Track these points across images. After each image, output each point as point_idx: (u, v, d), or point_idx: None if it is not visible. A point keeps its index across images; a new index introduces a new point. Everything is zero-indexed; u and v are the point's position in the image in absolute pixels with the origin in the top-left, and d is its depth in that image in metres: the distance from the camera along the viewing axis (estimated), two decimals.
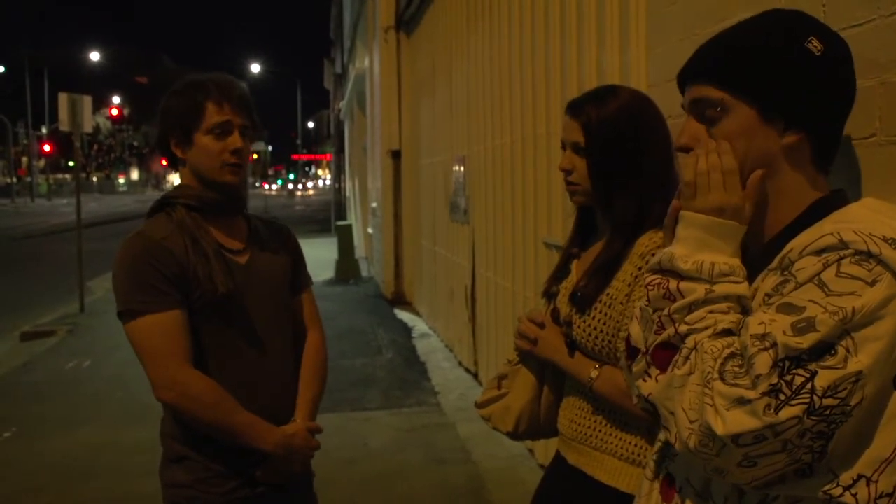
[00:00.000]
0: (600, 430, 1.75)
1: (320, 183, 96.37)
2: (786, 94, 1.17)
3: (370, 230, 13.32)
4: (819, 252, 1.05)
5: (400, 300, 10.20)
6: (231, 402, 1.92)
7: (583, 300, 1.75)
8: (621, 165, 1.71)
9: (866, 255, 1.01)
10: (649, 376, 1.15)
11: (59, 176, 73.69)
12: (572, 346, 1.79)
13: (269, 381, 2.05)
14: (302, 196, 69.03)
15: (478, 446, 4.79)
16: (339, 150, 28.84)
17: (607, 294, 1.71)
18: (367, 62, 13.07)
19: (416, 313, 9.35)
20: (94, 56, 65.82)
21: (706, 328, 1.10)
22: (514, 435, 1.95)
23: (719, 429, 1.00)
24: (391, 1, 10.07)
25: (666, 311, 1.14)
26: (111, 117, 73.89)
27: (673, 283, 1.15)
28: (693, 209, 1.19)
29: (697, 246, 1.17)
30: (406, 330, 8.57)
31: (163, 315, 1.89)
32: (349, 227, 13.71)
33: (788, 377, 0.97)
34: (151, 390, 1.92)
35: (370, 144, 13.16)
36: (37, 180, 59.97)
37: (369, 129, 13.30)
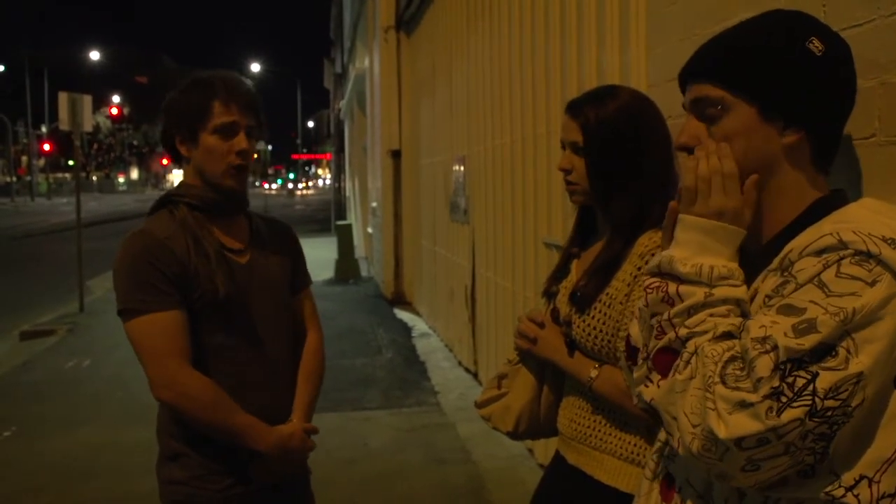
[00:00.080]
0: (600, 430, 1.75)
1: (320, 182, 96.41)
2: (786, 94, 1.17)
3: (370, 230, 13.32)
4: (819, 252, 1.05)
5: (400, 300, 10.20)
6: (229, 402, 1.93)
7: (582, 300, 1.75)
8: (621, 166, 1.71)
9: (866, 256, 1.01)
10: (651, 382, 1.15)
11: (59, 175, 73.70)
12: (572, 345, 1.79)
13: (268, 381, 2.05)
14: (301, 196, 69.10)
15: (478, 446, 4.79)
16: (339, 150, 28.85)
17: (607, 294, 1.71)
18: (367, 62, 13.07)
19: (416, 313, 9.35)
20: (94, 56, 65.81)
21: (706, 332, 1.10)
22: (514, 434, 1.95)
23: (722, 432, 1.00)
24: (391, 1, 10.07)
25: (665, 316, 1.14)
26: (111, 117, 73.86)
27: (672, 287, 1.15)
28: (693, 213, 1.19)
29: (697, 249, 1.17)
30: (406, 330, 8.57)
31: (162, 315, 1.89)
32: (349, 226, 13.71)
33: (790, 379, 0.97)
34: (150, 389, 1.92)
35: (370, 144, 13.16)
36: (37, 179, 60.00)
37: (369, 129, 13.31)
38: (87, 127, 10.45)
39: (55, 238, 21.32)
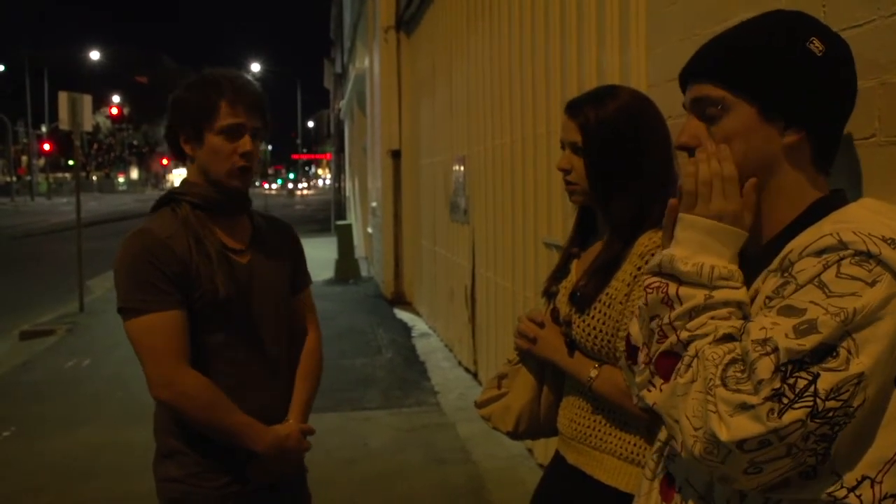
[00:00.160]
0: (600, 430, 1.75)
1: (320, 182, 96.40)
2: (786, 94, 1.17)
3: (370, 230, 13.32)
4: (819, 253, 1.05)
5: (400, 300, 10.20)
6: (226, 402, 1.93)
7: (582, 300, 1.75)
8: (620, 166, 1.71)
9: (866, 256, 1.01)
10: (654, 386, 1.15)
11: (59, 175, 73.67)
12: (572, 345, 1.79)
13: (267, 381, 2.06)
14: (301, 196, 69.10)
15: (477, 446, 4.79)
16: (339, 150, 28.85)
17: (607, 294, 1.71)
18: (367, 62, 13.07)
19: (416, 313, 9.35)
20: (94, 56, 65.78)
21: (707, 334, 1.10)
22: (514, 434, 1.95)
23: (723, 435, 1.00)
24: (391, 1, 10.07)
25: (666, 319, 1.14)
26: (111, 116, 73.80)
27: (672, 288, 1.15)
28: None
29: (697, 248, 1.17)
30: (406, 330, 8.57)
31: (162, 314, 1.89)
32: (349, 226, 13.71)
33: (791, 380, 0.97)
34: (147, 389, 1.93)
35: (370, 144, 13.16)
36: (36, 179, 60.00)
37: (369, 129, 13.31)
38: (87, 127, 10.45)
39: (55, 238, 21.32)
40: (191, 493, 1.96)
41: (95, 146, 77.10)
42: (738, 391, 1.00)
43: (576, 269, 1.87)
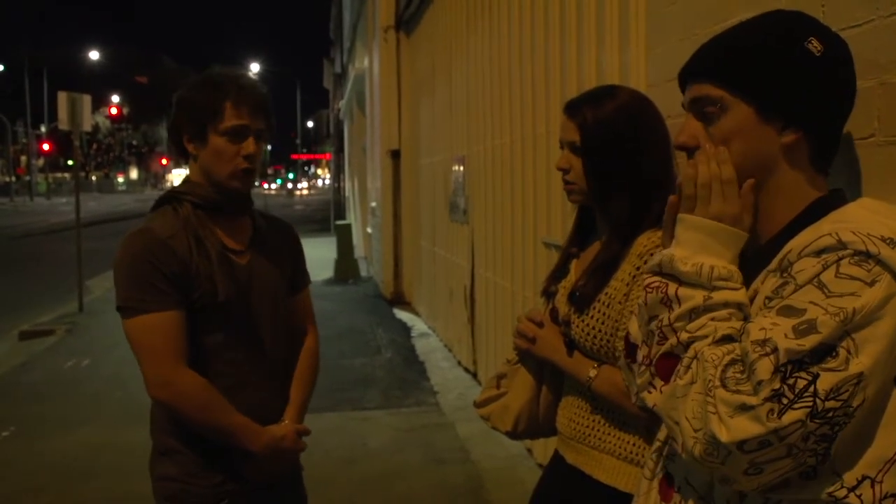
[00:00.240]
0: (599, 430, 1.75)
1: (319, 182, 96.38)
2: (785, 94, 1.17)
3: (369, 230, 13.32)
4: (818, 253, 1.05)
5: (399, 300, 10.20)
6: (223, 402, 1.93)
7: (581, 300, 1.75)
8: (619, 166, 1.71)
9: (865, 256, 1.01)
10: (654, 387, 1.15)
11: (58, 175, 73.62)
12: (571, 345, 1.80)
13: (266, 381, 2.06)
14: (300, 196, 69.11)
15: (477, 446, 4.79)
16: (339, 150, 28.86)
17: (606, 294, 1.71)
18: (366, 62, 13.07)
19: (416, 313, 9.35)
20: (94, 56, 65.75)
21: (707, 336, 1.10)
22: (513, 434, 1.95)
23: (723, 436, 1.00)
24: (391, 1, 10.07)
25: (666, 321, 1.14)
26: (110, 116, 73.71)
27: (672, 288, 1.15)
28: None
29: (697, 248, 1.17)
30: (405, 330, 8.57)
31: (161, 315, 1.89)
32: (348, 226, 13.72)
33: (791, 381, 0.97)
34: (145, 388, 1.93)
35: (370, 144, 13.16)
36: (36, 179, 59.97)
37: (369, 129, 13.30)
38: (87, 127, 10.44)
39: (54, 238, 21.31)
40: (187, 492, 1.97)
41: (95, 146, 77.03)
42: (738, 392, 1.00)
43: (575, 269, 1.87)
